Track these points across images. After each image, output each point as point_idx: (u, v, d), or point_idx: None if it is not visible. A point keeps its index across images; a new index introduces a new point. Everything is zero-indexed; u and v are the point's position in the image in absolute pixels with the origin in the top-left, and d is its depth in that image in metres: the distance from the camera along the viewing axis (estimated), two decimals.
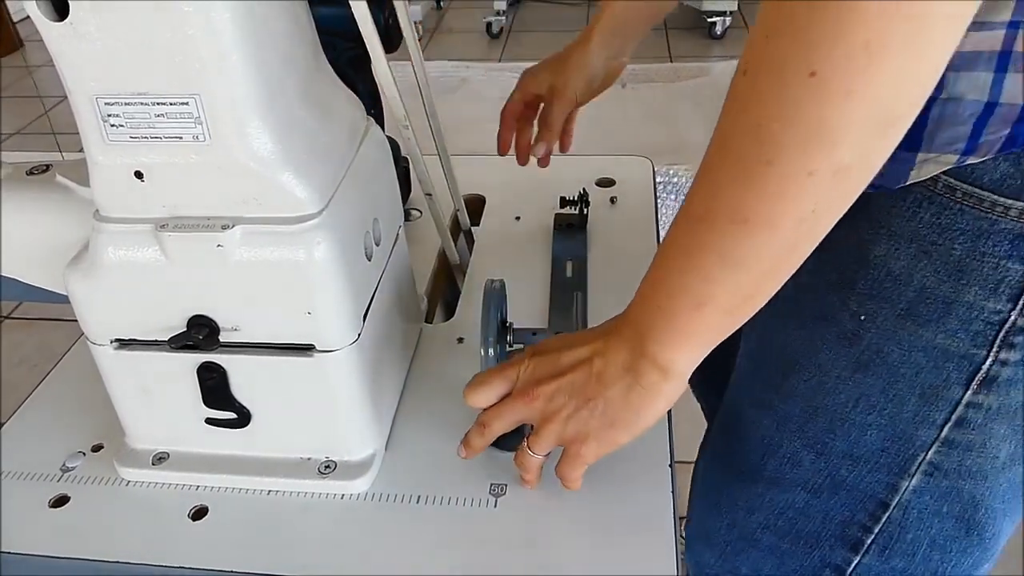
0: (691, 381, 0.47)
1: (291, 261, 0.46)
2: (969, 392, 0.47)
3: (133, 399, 0.54)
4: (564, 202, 0.81)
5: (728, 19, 3.14)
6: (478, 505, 0.53)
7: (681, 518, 0.62)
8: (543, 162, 0.77)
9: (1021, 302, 0.43)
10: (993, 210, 0.42)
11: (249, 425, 0.53)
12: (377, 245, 0.55)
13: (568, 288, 0.73)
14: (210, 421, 0.54)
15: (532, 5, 3.72)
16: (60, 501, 0.55)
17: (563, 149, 0.80)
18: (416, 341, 0.68)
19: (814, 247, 0.38)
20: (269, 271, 0.47)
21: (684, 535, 0.70)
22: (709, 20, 3.11)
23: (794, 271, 0.39)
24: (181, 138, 0.44)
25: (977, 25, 0.37)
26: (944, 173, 0.42)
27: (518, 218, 0.85)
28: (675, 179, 1.88)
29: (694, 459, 0.69)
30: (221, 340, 0.49)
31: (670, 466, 0.55)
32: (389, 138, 0.63)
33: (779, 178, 0.35)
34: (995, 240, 0.42)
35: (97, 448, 0.59)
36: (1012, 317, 0.44)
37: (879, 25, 0.30)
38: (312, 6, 0.50)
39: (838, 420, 0.52)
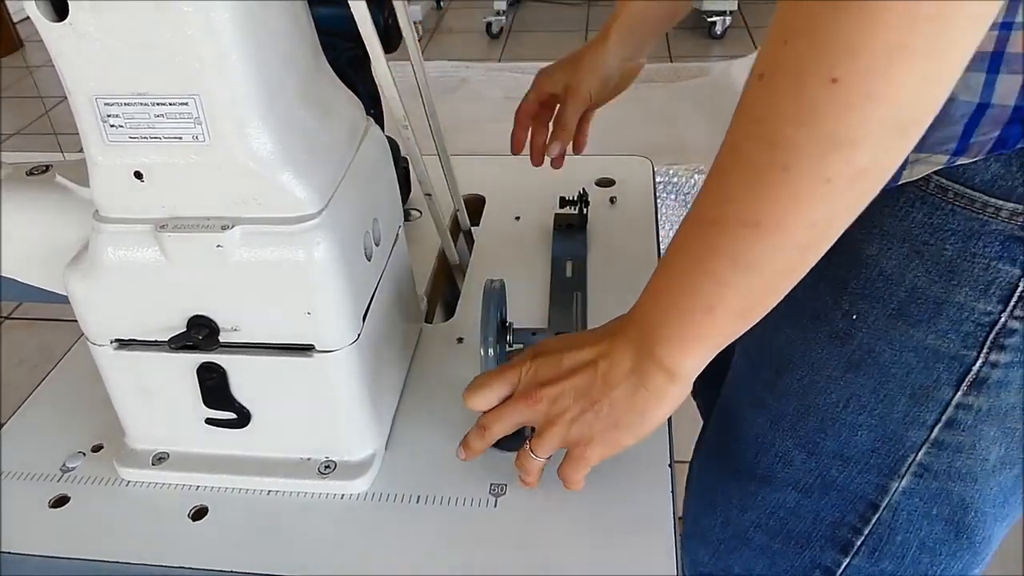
0: None
1: (291, 261, 0.46)
2: (959, 393, 0.47)
3: (133, 399, 0.54)
4: (564, 202, 0.81)
5: (728, 19, 3.14)
6: (478, 505, 0.53)
7: (679, 517, 0.62)
8: (557, 162, 0.77)
9: (1011, 304, 0.43)
10: (984, 211, 0.42)
11: (249, 425, 0.53)
12: (377, 245, 0.55)
13: (568, 288, 0.73)
14: (210, 421, 0.54)
15: (532, 5, 3.72)
16: (60, 501, 0.55)
17: (577, 150, 0.80)
18: (416, 341, 0.68)
19: (826, 250, 0.37)
20: (269, 271, 0.47)
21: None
22: (709, 20, 3.11)
23: (805, 274, 0.39)
24: (181, 138, 0.44)
25: None
26: (936, 173, 0.42)
27: (518, 218, 0.85)
28: (675, 179, 1.88)
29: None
30: (221, 340, 0.49)
31: (670, 466, 0.55)
32: (389, 138, 0.63)
33: (795, 183, 0.34)
34: (986, 241, 0.42)
35: (97, 448, 0.59)
36: (1002, 319, 0.44)
37: (903, 28, 0.29)
38: (312, 6, 0.50)
39: (829, 420, 0.52)
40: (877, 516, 0.53)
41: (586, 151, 0.81)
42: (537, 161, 0.78)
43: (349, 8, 0.49)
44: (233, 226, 0.46)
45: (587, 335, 0.48)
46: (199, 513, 0.54)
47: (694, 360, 0.43)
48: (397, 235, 0.61)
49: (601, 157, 0.92)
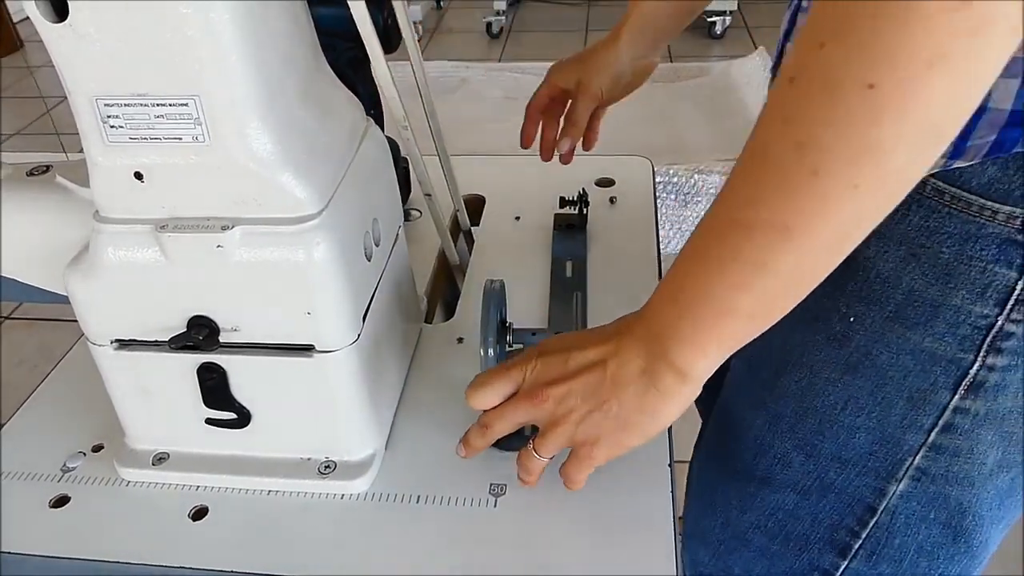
0: None
1: (291, 261, 0.46)
2: (956, 397, 0.47)
3: (133, 399, 0.54)
4: (564, 202, 0.81)
5: (728, 19, 3.14)
6: (478, 505, 0.53)
7: (679, 518, 0.62)
8: (566, 158, 0.77)
9: (1008, 307, 0.43)
10: (981, 214, 0.42)
11: (249, 425, 0.54)
12: (377, 245, 0.55)
13: (568, 288, 0.73)
14: (210, 421, 0.54)
15: (532, 5, 3.72)
16: (60, 501, 0.55)
17: (587, 147, 0.79)
18: (416, 341, 0.68)
19: (848, 253, 0.37)
20: (269, 271, 0.47)
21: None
22: (709, 20, 3.11)
23: (825, 277, 0.38)
24: (181, 139, 0.44)
25: None
26: (933, 176, 0.42)
27: (518, 218, 0.85)
28: (675, 179, 1.88)
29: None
30: (221, 340, 0.49)
31: (670, 466, 0.55)
32: (389, 138, 0.63)
33: (824, 188, 0.34)
34: (983, 244, 0.42)
35: (97, 448, 0.60)
36: (999, 322, 0.44)
37: (944, 37, 0.29)
38: (311, 7, 0.50)
39: (827, 422, 0.52)
40: (875, 519, 0.53)
41: (586, 151, 0.81)
42: (547, 156, 0.78)
43: (348, 8, 0.49)
44: (233, 226, 0.46)
45: (593, 334, 0.48)
46: (199, 513, 0.54)
47: (707, 362, 0.42)
48: (397, 235, 0.62)
49: (601, 157, 0.92)
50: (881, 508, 0.53)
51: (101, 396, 0.55)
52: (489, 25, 3.36)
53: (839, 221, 0.35)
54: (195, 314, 0.49)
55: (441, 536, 0.51)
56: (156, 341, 0.51)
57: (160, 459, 0.56)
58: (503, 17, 3.38)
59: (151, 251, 0.47)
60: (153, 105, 0.43)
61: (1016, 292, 0.43)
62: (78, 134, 0.45)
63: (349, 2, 0.49)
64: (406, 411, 0.61)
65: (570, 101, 0.75)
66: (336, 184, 0.49)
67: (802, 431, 0.54)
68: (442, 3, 3.82)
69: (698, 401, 0.84)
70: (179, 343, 0.49)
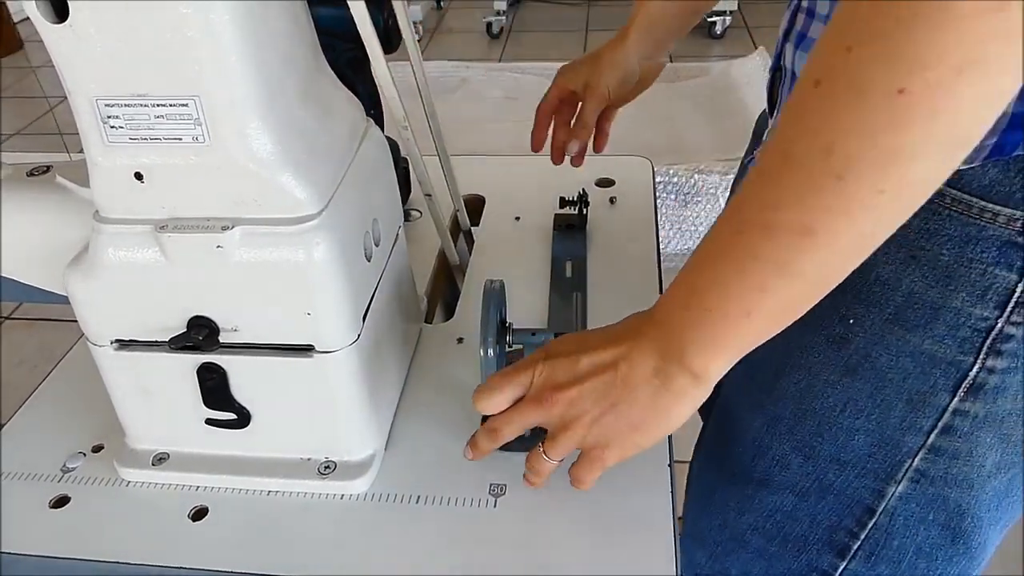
0: None
1: (290, 262, 0.46)
2: (956, 399, 0.47)
3: (133, 400, 0.54)
4: (564, 202, 0.81)
5: (728, 19, 3.14)
6: (478, 505, 0.53)
7: (679, 517, 0.62)
8: (576, 160, 0.77)
9: (1008, 309, 0.43)
10: (981, 216, 0.42)
11: (249, 426, 0.54)
12: (377, 245, 0.55)
13: (568, 288, 0.73)
14: (210, 422, 0.54)
15: (532, 5, 3.72)
16: (60, 502, 0.55)
17: (597, 149, 0.79)
18: (416, 341, 0.68)
19: (868, 255, 0.37)
20: (269, 272, 0.47)
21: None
22: (709, 20, 3.11)
23: (842, 280, 0.38)
24: (181, 139, 0.44)
25: None
26: None
27: (518, 218, 0.85)
28: (675, 179, 1.88)
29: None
30: (221, 341, 0.49)
31: (669, 466, 0.55)
32: (389, 138, 0.63)
33: (848, 193, 0.34)
34: (983, 246, 0.42)
35: (97, 448, 0.60)
36: (999, 324, 0.44)
37: (976, 43, 0.29)
38: (312, 6, 0.50)
39: (826, 424, 0.52)
40: (874, 521, 0.53)
41: (586, 151, 0.81)
42: (557, 159, 0.78)
43: (348, 9, 0.49)
44: (233, 227, 0.46)
45: (600, 336, 0.47)
46: (199, 513, 0.54)
47: (723, 363, 0.42)
48: (397, 235, 0.62)
49: (601, 157, 0.92)
50: (880, 509, 0.53)
51: (101, 396, 0.55)
52: (489, 25, 3.36)
53: (863, 225, 0.35)
54: (195, 314, 0.49)
55: (441, 536, 0.51)
56: (156, 341, 0.51)
57: (160, 459, 0.56)
58: (503, 17, 3.38)
59: (151, 251, 0.47)
60: (153, 105, 0.43)
61: (1016, 294, 0.42)
62: (78, 134, 0.45)
63: (349, 2, 0.49)
64: (406, 411, 0.61)
65: (580, 103, 0.75)
66: (336, 184, 0.49)
67: (801, 433, 0.54)
68: (442, 3, 3.82)
69: None
70: (179, 343, 0.49)
